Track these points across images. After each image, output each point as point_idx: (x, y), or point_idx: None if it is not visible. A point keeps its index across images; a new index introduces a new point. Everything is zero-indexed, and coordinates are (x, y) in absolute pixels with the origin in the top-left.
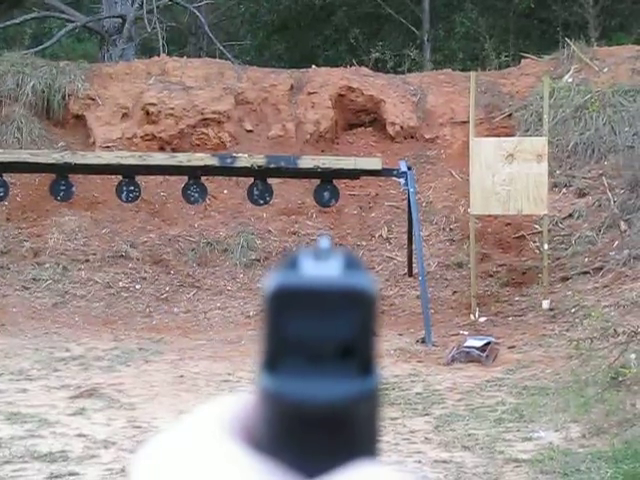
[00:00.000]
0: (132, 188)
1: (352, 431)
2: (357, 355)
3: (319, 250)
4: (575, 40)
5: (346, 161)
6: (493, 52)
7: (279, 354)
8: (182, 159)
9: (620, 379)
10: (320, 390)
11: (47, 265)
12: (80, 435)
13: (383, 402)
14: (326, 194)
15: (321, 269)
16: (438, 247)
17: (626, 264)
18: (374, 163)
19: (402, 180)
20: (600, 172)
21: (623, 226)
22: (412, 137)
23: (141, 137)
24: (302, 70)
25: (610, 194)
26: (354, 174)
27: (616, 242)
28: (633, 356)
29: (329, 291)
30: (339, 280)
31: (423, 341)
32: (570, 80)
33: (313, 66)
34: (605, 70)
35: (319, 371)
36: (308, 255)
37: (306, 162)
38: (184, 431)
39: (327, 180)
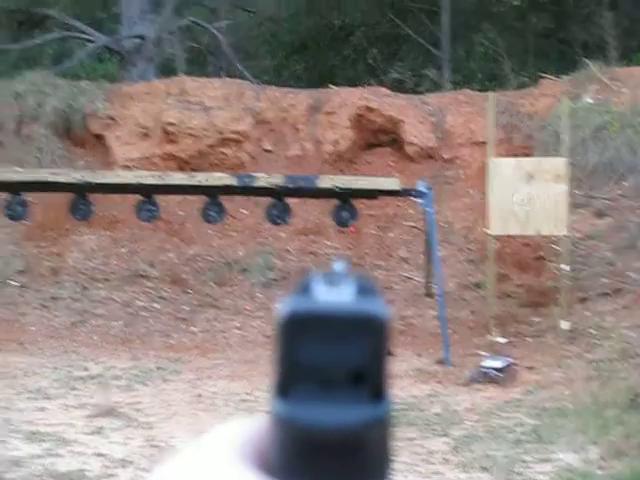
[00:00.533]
0: (151, 208)
1: (363, 456)
2: (368, 381)
3: (332, 275)
4: (594, 60)
5: (364, 181)
6: (512, 72)
7: (291, 379)
8: (201, 179)
9: None
10: (332, 416)
11: (66, 284)
12: (98, 454)
13: (397, 425)
14: (344, 214)
15: (334, 295)
16: (456, 267)
17: None
18: (392, 183)
19: (420, 200)
20: (620, 193)
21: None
22: (431, 157)
23: (160, 157)
24: (321, 90)
25: (630, 215)
26: (372, 194)
27: (635, 263)
28: None
29: (341, 317)
30: (351, 306)
31: (441, 362)
32: (589, 100)
33: (332, 86)
34: (624, 90)
35: (331, 397)
36: (321, 280)
37: (324, 182)
38: (198, 454)
39: (345, 200)
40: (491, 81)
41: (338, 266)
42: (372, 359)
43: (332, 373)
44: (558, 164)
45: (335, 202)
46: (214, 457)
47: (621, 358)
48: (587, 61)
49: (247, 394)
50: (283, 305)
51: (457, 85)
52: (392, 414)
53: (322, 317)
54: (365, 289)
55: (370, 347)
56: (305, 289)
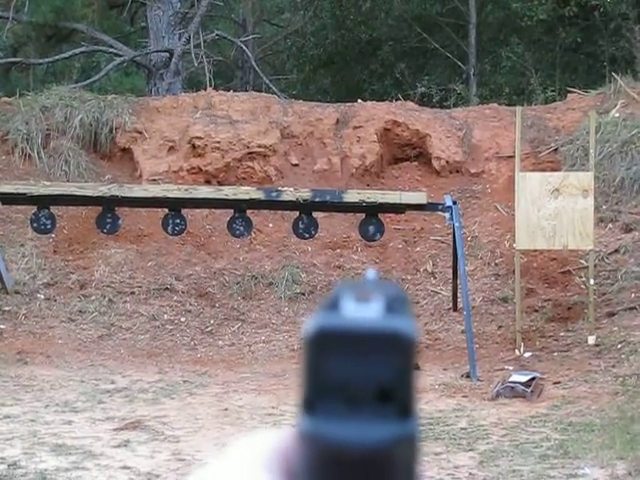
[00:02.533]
0: (178, 221)
1: (390, 474)
2: (396, 399)
3: (361, 288)
4: (622, 75)
5: (391, 195)
6: (539, 87)
7: (318, 395)
8: (228, 192)
9: None
10: (358, 433)
11: (93, 297)
12: (124, 467)
13: (423, 440)
14: (371, 228)
15: (362, 310)
16: (483, 282)
17: None
18: (419, 197)
19: (447, 214)
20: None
21: None
22: (457, 171)
23: (187, 170)
24: (348, 104)
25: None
26: (399, 208)
27: None
28: None
29: (368, 334)
30: (379, 323)
31: (468, 376)
32: (617, 115)
33: (359, 100)
34: None
35: (358, 414)
36: (349, 294)
37: (351, 196)
38: (224, 466)
39: (372, 214)
40: (518, 95)
41: (370, 274)
42: (400, 376)
43: (359, 390)
44: (585, 179)
45: (362, 216)
46: (241, 468)
47: None
48: (615, 75)
49: (273, 408)
50: (311, 321)
51: (484, 99)
52: (420, 431)
53: (350, 334)
54: (394, 304)
55: (398, 364)
56: (333, 304)
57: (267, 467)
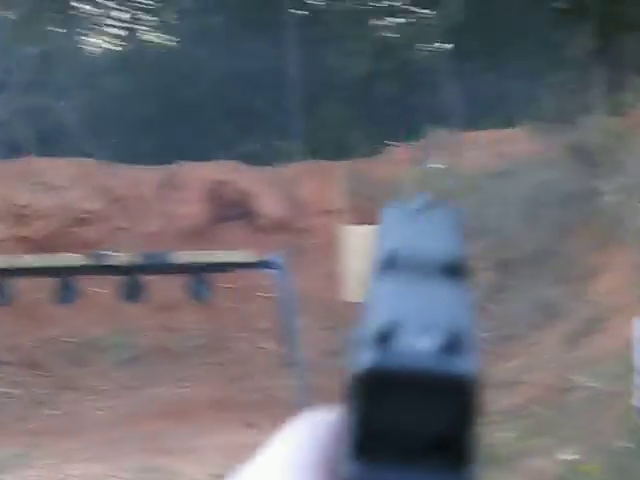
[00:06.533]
0: (3, 292)
1: None
2: (452, 448)
3: (417, 321)
4: (441, 126)
5: (219, 255)
6: (360, 141)
7: (368, 442)
8: (52, 260)
9: (494, 457)
10: None
11: None
12: None
13: None
14: (200, 289)
15: (418, 346)
16: (315, 336)
17: (497, 344)
18: (247, 256)
19: (276, 271)
20: (469, 254)
21: (491, 307)
22: (284, 228)
23: (12, 240)
24: (172, 166)
25: (479, 275)
26: (228, 267)
27: (486, 322)
28: (506, 434)
29: (425, 377)
30: (437, 364)
31: None
32: (437, 165)
33: (183, 162)
34: (470, 154)
35: (410, 464)
36: (405, 327)
37: (179, 257)
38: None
39: (200, 275)
40: (341, 150)
41: (424, 197)
42: (457, 424)
43: (413, 438)
44: None
45: (190, 277)
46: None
47: None
48: (433, 128)
49: (110, 476)
50: (359, 359)
51: (309, 156)
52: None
53: (404, 376)
54: (457, 336)
55: (456, 411)
56: (385, 337)
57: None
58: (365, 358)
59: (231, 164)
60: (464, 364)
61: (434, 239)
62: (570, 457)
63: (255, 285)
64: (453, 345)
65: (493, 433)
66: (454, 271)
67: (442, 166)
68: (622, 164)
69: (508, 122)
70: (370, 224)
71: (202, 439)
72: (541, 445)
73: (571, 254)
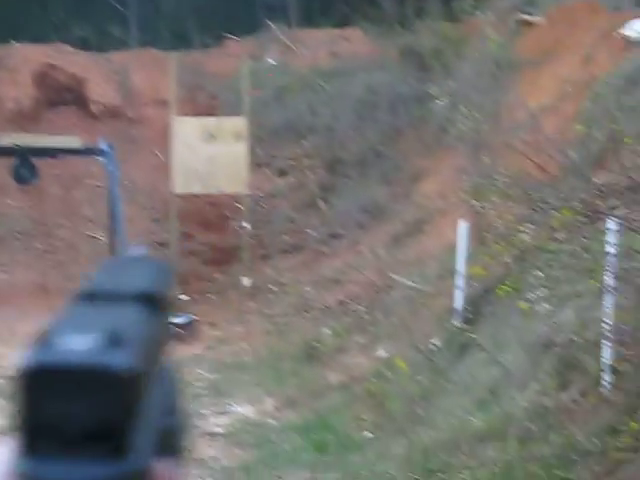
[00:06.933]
0: None
1: None
2: (112, 437)
3: (78, 322)
4: (277, 22)
5: (45, 139)
6: (197, 32)
7: (34, 437)
8: None
9: (314, 353)
10: (73, 474)
11: None
12: None
13: None
14: (24, 172)
15: (77, 344)
16: (141, 226)
17: (324, 242)
18: (73, 141)
19: (103, 159)
20: (300, 152)
21: (321, 205)
22: (115, 116)
23: None
24: (2, 46)
25: (309, 174)
26: (53, 152)
27: (314, 221)
28: (327, 330)
29: (82, 371)
30: (93, 359)
31: None
32: (271, 61)
33: (14, 42)
34: (305, 52)
35: (73, 454)
36: (67, 327)
37: (4, 140)
38: None
39: (25, 158)
40: (178, 40)
41: (138, 250)
42: (115, 415)
43: (73, 430)
44: (238, 124)
45: (14, 160)
46: None
47: (297, 312)
48: (270, 22)
49: None
50: (22, 357)
51: (144, 44)
52: (141, 468)
53: (61, 371)
54: (117, 336)
55: (113, 403)
56: (48, 337)
57: None
58: (26, 358)
59: (63, 48)
60: (120, 359)
61: (134, 278)
62: (384, 354)
63: (83, 172)
64: (112, 343)
65: (314, 329)
66: (143, 300)
67: (276, 62)
68: (453, 70)
69: (344, 21)
70: (201, 116)
71: (24, 324)
72: (358, 342)
73: (399, 157)
